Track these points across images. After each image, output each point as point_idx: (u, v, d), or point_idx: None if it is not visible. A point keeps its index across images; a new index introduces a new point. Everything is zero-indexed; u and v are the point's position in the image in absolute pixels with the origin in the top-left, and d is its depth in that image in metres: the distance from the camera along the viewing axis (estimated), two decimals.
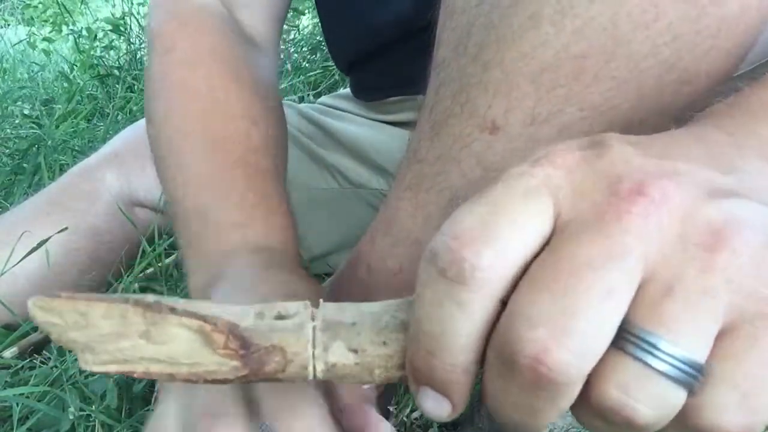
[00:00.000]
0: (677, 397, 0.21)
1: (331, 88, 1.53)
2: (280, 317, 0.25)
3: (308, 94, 1.49)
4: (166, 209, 0.74)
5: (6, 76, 2.09)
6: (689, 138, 0.27)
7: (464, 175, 0.40)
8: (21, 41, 2.50)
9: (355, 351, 0.25)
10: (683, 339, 0.20)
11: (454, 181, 0.41)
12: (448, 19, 0.40)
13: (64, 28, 2.55)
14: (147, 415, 0.57)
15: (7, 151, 1.32)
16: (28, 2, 3.56)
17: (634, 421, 0.21)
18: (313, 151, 0.83)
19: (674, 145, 0.25)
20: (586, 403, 0.22)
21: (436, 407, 0.25)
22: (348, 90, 0.90)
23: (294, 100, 1.40)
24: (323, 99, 0.93)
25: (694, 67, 0.34)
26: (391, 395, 0.55)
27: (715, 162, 0.24)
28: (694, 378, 0.20)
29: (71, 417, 0.56)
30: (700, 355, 0.20)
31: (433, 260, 0.23)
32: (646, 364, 0.20)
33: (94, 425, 0.56)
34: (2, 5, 4.18)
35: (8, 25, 3.94)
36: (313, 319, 0.25)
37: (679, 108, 0.36)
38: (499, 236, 0.22)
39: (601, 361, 0.21)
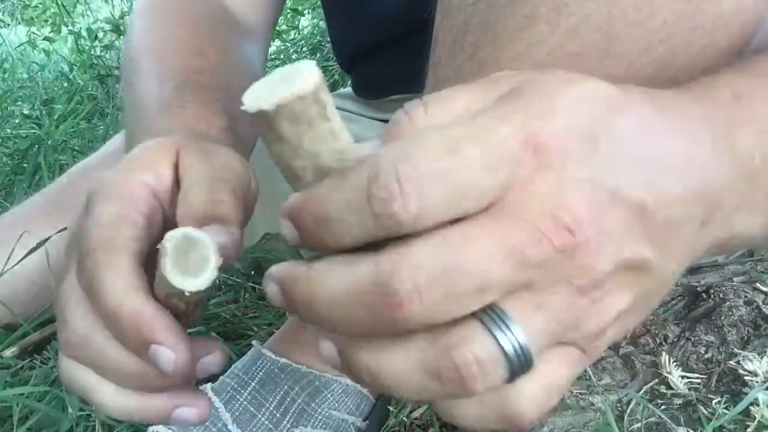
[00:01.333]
0: (502, 376, 0.23)
1: (331, 88, 1.53)
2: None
3: None
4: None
5: (6, 76, 2.09)
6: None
7: None
8: (22, 44, 2.50)
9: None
10: (533, 333, 0.23)
11: None
12: (445, 17, 0.40)
13: (63, 28, 2.55)
14: None
15: (7, 151, 1.32)
16: (27, 2, 3.56)
17: (465, 383, 0.23)
18: None
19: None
20: (427, 357, 0.23)
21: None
22: (348, 90, 0.90)
23: None
24: None
25: (689, 64, 0.34)
26: (390, 396, 0.56)
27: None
28: (521, 367, 0.23)
29: (71, 417, 0.56)
30: (536, 352, 0.23)
31: (371, 184, 0.22)
32: (495, 337, 0.22)
33: (94, 425, 0.56)
34: (2, 5, 4.18)
35: (8, 25, 3.95)
36: None
37: None
38: (443, 195, 0.22)
39: (458, 324, 0.23)
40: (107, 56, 1.96)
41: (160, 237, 0.30)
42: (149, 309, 0.30)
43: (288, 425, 0.48)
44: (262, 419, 0.48)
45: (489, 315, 0.23)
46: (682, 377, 0.54)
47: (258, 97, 0.23)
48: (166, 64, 0.52)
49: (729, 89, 0.29)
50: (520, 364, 0.23)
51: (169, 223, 0.35)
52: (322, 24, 1.86)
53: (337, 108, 0.74)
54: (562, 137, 0.23)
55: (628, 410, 0.52)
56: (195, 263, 0.29)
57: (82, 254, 0.32)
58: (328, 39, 1.80)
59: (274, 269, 0.25)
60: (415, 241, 0.22)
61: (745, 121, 0.29)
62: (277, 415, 0.48)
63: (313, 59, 1.73)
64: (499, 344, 0.22)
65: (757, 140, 0.29)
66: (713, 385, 0.54)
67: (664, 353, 0.56)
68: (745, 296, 0.61)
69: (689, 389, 0.53)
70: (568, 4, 0.33)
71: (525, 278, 0.23)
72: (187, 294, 0.29)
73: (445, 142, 0.22)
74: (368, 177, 0.22)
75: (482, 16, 0.37)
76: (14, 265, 0.68)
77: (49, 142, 1.21)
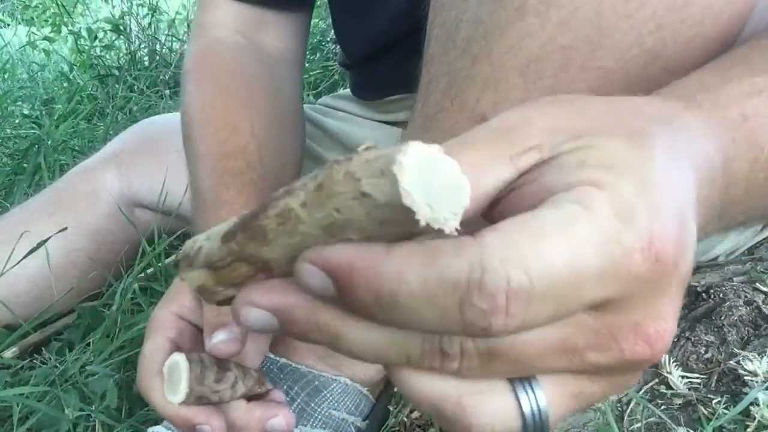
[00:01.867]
0: None
1: (331, 88, 1.53)
2: None
3: (308, 94, 1.49)
4: (167, 210, 0.78)
5: (6, 76, 2.09)
6: None
7: None
8: (24, 46, 2.50)
9: None
10: (558, 410, 0.22)
11: None
12: (437, 15, 0.40)
13: (63, 28, 2.55)
14: (147, 415, 0.57)
15: (7, 151, 1.32)
16: (27, 2, 3.55)
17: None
18: (314, 151, 0.83)
19: None
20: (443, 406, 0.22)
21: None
22: (348, 90, 0.90)
23: None
24: (323, 99, 0.93)
25: (679, 56, 0.34)
26: (391, 395, 0.56)
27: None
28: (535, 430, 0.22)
29: (71, 417, 0.56)
30: (553, 422, 0.22)
31: (473, 291, 0.19)
32: (517, 397, 0.21)
33: (94, 425, 0.56)
34: (2, 5, 4.18)
35: (8, 25, 3.94)
36: None
37: None
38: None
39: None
40: (107, 56, 1.96)
41: (193, 341, 0.49)
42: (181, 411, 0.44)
43: None
44: None
45: (522, 383, 0.22)
46: (682, 377, 0.54)
47: (419, 185, 0.18)
48: (207, 146, 0.60)
49: (738, 110, 0.28)
50: (534, 425, 0.22)
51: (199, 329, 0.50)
52: (322, 24, 1.86)
53: (337, 109, 0.76)
54: (676, 239, 0.20)
55: (628, 410, 0.52)
56: (176, 382, 0.43)
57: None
58: (328, 39, 1.81)
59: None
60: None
61: (744, 145, 0.27)
62: None
63: (314, 59, 1.73)
64: (520, 407, 0.21)
65: (751, 168, 0.28)
66: (713, 385, 0.54)
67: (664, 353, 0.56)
68: (745, 296, 0.61)
69: (689, 389, 0.53)
70: None
71: (579, 378, 0.22)
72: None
73: (569, 249, 0.19)
74: (468, 276, 0.18)
75: (474, 10, 0.37)
76: (14, 265, 0.68)
77: (49, 142, 1.21)
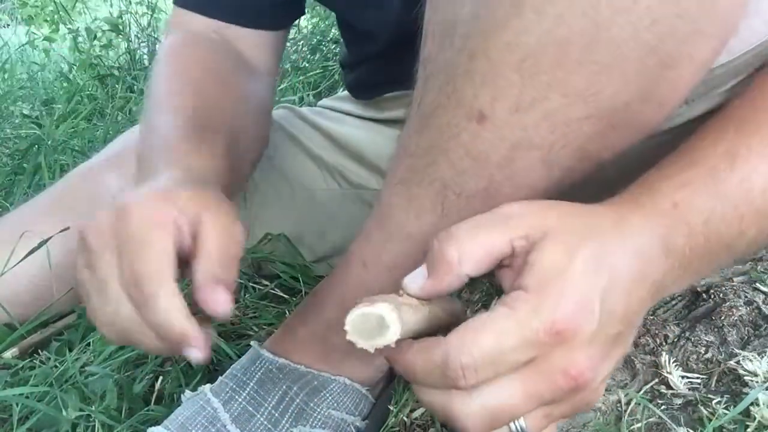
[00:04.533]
0: None
1: (331, 88, 1.53)
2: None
3: (308, 94, 1.49)
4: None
5: (6, 76, 2.09)
6: None
7: (453, 166, 0.40)
8: (23, 45, 2.50)
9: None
10: (535, 427, 0.36)
11: (444, 172, 0.41)
12: (434, 13, 0.40)
13: (62, 27, 2.55)
14: (147, 415, 0.57)
15: (7, 151, 1.32)
16: (25, 0, 3.55)
17: None
18: (313, 153, 0.83)
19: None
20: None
21: None
22: (346, 92, 0.90)
23: (294, 101, 1.40)
24: (323, 101, 0.93)
25: (676, 51, 0.34)
26: (391, 395, 0.56)
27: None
28: None
29: (71, 417, 0.56)
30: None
31: (444, 368, 0.34)
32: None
33: (94, 425, 0.56)
34: (2, 5, 4.17)
35: (7, 25, 3.94)
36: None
37: (662, 93, 0.37)
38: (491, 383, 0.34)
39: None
40: (106, 56, 1.96)
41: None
42: (192, 328, 0.39)
43: (287, 425, 0.48)
44: (261, 419, 0.48)
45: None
46: (682, 377, 0.54)
47: (355, 326, 0.35)
48: (181, 103, 0.59)
49: (670, 200, 0.38)
50: None
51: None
52: (322, 24, 1.86)
53: (335, 110, 0.76)
54: (573, 319, 0.33)
55: (628, 410, 0.52)
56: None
57: (137, 277, 0.39)
58: (328, 39, 1.81)
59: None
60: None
61: (680, 226, 0.38)
62: (276, 414, 0.48)
63: (313, 59, 1.73)
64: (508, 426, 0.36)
65: (687, 240, 0.38)
66: (713, 385, 0.54)
67: (664, 353, 0.56)
68: (745, 296, 0.61)
69: (689, 389, 0.53)
70: None
71: (542, 405, 0.35)
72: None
73: (494, 337, 0.33)
74: (442, 360, 0.34)
75: (471, 7, 0.37)
76: (15, 265, 0.68)
77: (49, 142, 1.21)
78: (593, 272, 0.34)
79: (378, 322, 0.34)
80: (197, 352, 0.39)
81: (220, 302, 0.39)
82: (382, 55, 0.72)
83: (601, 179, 0.41)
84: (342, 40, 0.82)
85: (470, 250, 0.35)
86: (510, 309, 0.33)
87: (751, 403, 0.49)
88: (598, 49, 0.34)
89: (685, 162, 0.40)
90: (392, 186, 0.45)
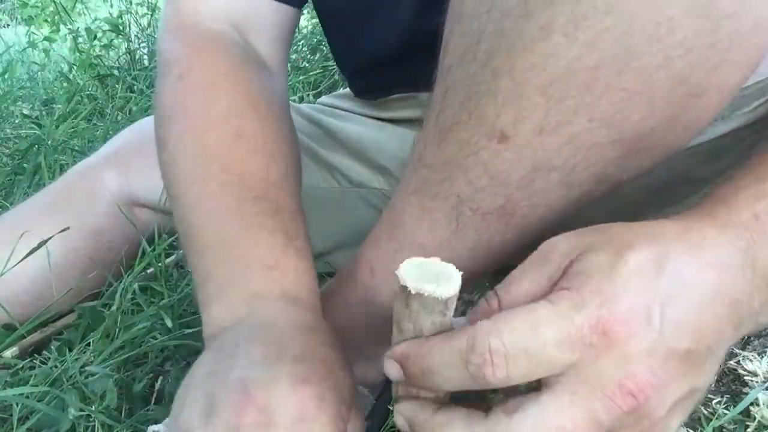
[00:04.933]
0: None
1: (331, 88, 1.53)
2: None
3: (308, 94, 1.49)
4: (167, 209, 0.71)
5: (6, 76, 2.08)
6: None
7: (471, 183, 0.40)
8: (24, 48, 2.50)
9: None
10: None
11: (461, 188, 0.41)
12: (456, 24, 0.40)
13: (62, 27, 2.55)
14: (147, 415, 0.57)
15: (7, 151, 1.32)
16: (26, 0, 3.55)
17: None
18: (314, 151, 0.83)
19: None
20: None
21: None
22: (347, 90, 0.90)
23: (294, 100, 1.40)
24: (323, 99, 0.93)
25: (705, 80, 0.34)
26: (391, 395, 0.55)
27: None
28: None
29: (71, 417, 0.56)
30: None
31: (469, 352, 0.30)
32: None
33: (94, 425, 0.56)
34: (2, 5, 4.17)
35: (7, 25, 3.94)
36: None
37: (688, 120, 0.36)
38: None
39: None
40: (106, 56, 1.96)
41: None
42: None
43: None
44: None
45: None
46: None
47: (408, 272, 0.31)
48: (234, 169, 0.51)
49: (750, 212, 0.34)
50: None
51: None
52: None
53: (337, 107, 0.75)
54: (624, 319, 0.29)
55: None
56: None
57: None
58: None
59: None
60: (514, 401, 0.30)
61: (764, 238, 0.34)
62: None
63: (313, 59, 1.73)
64: None
65: None
66: (713, 385, 0.54)
67: None
68: None
69: None
70: (587, 16, 0.33)
71: None
72: None
73: (529, 324, 0.29)
74: (467, 344, 0.30)
75: (496, 24, 0.36)
76: (15, 265, 0.67)
77: (49, 142, 1.21)
78: (651, 275, 0.30)
79: (436, 276, 0.30)
80: None
81: None
82: (392, 60, 0.72)
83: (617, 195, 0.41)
84: (336, 54, 0.81)
85: (511, 293, 0.33)
86: (550, 302, 0.30)
87: (751, 403, 0.49)
88: (628, 77, 0.33)
89: (761, 171, 0.36)
90: (406, 195, 0.45)
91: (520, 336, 0.29)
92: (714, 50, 0.33)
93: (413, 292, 0.30)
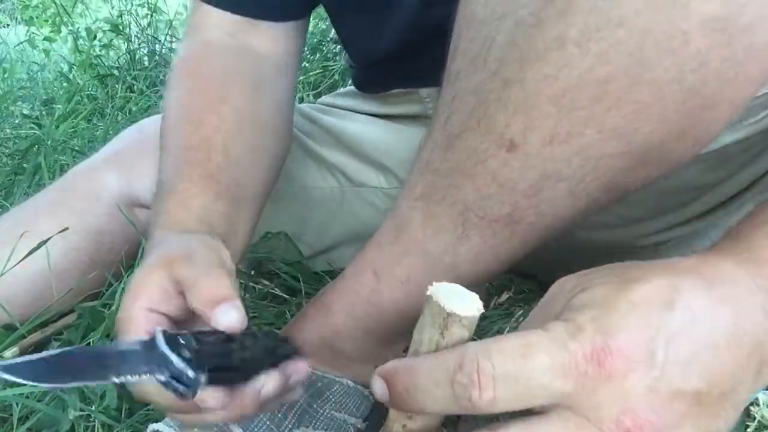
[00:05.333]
0: None
1: (331, 88, 1.53)
2: None
3: (308, 94, 1.49)
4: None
5: (6, 76, 2.09)
6: None
7: (478, 190, 0.40)
8: (21, 42, 2.50)
9: None
10: None
11: (468, 195, 0.41)
12: (466, 29, 0.40)
13: (62, 28, 2.55)
14: (147, 414, 0.57)
15: (7, 151, 1.32)
16: (27, 2, 3.55)
17: None
18: (313, 150, 0.83)
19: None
20: None
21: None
22: (349, 88, 0.90)
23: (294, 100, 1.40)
24: (323, 98, 0.93)
25: (718, 93, 0.34)
26: None
27: None
28: None
29: (71, 417, 0.56)
30: None
31: (456, 371, 0.28)
32: None
33: (94, 425, 0.56)
34: (2, 5, 4.17)
35: (8, 25, 3.94)
36: None
37: (698, 132, 0.36)
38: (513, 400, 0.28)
39: None
40: (107, 56, 1.96)
41: None
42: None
43: (290, 426, 0.48)
44: (264, 419, 0.48)
45: None
46: None
47: (439, 291, 0.31)
48: (175, 138, 0.60)
49: None
50: None
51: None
52: (322, 24, 1.86)
53: (338, 106, 0.76)
54: (623, 351, 0.27)
55: None
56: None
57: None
58: (328, 39, 1.81)
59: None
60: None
61: None
62: (279, 415, 0.48)
63: (313, 59, 1.73)
64: None
65: None
66: None
67: None
68: None
69: None
70: (600, 28, 0.32)
71: None
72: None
73: (521, 348, 0.27)
74: (455, 363, 0.28)
75: (508, 33, 0.36)
76: (15, 266, 0.67)
77: (49, 142, 1.21)
78: (657, 307, 0.28)
79: (461, 298, 0.30)
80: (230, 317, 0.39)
81: (228, 320, 0.39)
82: (393, 55, 0.72)
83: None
84: (347, 41, 0.82)
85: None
86: (544, 329, 0.28)
87: (751, 403, 0.49)
88: (640, 89, 0.33)
89: None
90: (411, 200, 0.45)
91: (510, 358, 0.27)
92: (728, 64, 0.33)
93: (447, 310, 0.30)
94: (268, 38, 0.69)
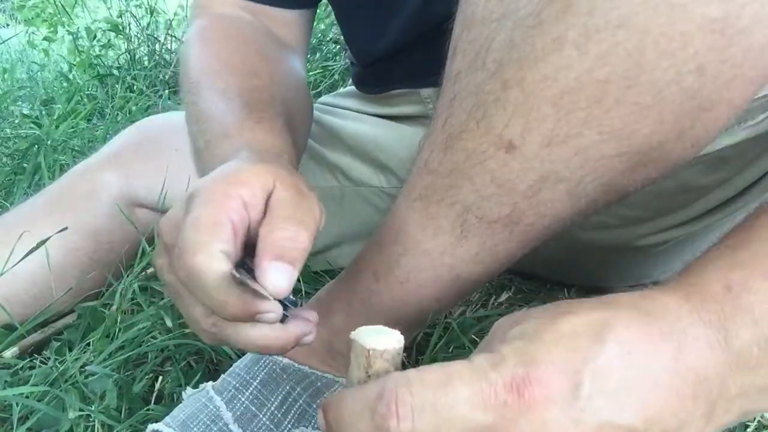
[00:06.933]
0: None
1: (331, 88, 1.53)
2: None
3: None
4: (167, 209, 0.78)
5: (6, 76, 2.09)
6: None
7: (477, 191, 0.40)
8: (14, 36, 2.50)
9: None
10: None
11: (466, 196, 0.41)
12: (465, 30, 0.40)
13: (60, 28, 2.55)
14: (147, 415, 0.57)
15: (7, 151, 1.32)
16: (24, 2, 3.55)
17: None
18: (313, 149, 0.83)
19: None
20: None
21: None
22: (349, 88, 0.90)
23: None
24: (324, 98, 0.93)
25: (716, 94, 0.34)
26: None
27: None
28: None
29: (71, 417, 0.56)
30: None
31: (376, 402, 0.28)
32: None
33: (94, 425, 0.56)
34: (1, 5, 4.17)
35: (7, 25, 3.94)
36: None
37: (696, 134, 0.36)
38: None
39: None
40: (106, 56, 1.96)
41: (243, 245, 0.38)
42: (245, 297, 0.36)
43: (289, 426, 0.48)
44: (264, 419, 0.48)
45: None
46: None
47: (361, 333, 0.33)
48: (228, 83, 0.56)
49: (720, 283, 0.30)
50: None
51: (250, 237, 0.39)
52: (322, 24, 1.86)
53: (338, 106, 0.76)
54: (544, 381, 0.27)
55: None
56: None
57: (181, 251, 0.37)
58: (328, 39, 1.81)
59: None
60: None
61: (738, 313, 0.30)
62: (279, 415, 0.48)
63: (313, 59, 1.73)
64: None
65: (753, 332, 0.29)
66: None
67: None
68: None
69: None
70: (599, 30, 0.33)
71: None
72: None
73: (441, 378, 0.27)
74: (375, 393, 0.28)
75: (507, 34, 0.36)
76: (14, 265, 0.67)
77: (49, 142, 1.21)
78: (585, 339, 0.28)
79: (383, 335, 0.32)
80: (271, 316, 0.36)
81: (276, 280, 0.35)
82: (395, 53, 0.72)
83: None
84: (349, 37, 0.82)
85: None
86: (467, 360, 0.28)
87: None
88: (639, 91, 0.34)
89: (736, 240, 0.33)
90: (410, 200, 0.45)
91: (431, 388, 0.27)
92: (726, 66, 0.33)
93: (366, 347, 0.32)
94: (281, 24, 0.71)
